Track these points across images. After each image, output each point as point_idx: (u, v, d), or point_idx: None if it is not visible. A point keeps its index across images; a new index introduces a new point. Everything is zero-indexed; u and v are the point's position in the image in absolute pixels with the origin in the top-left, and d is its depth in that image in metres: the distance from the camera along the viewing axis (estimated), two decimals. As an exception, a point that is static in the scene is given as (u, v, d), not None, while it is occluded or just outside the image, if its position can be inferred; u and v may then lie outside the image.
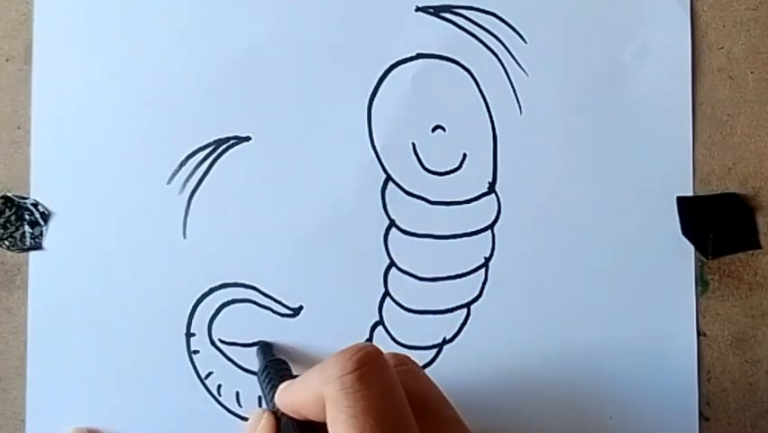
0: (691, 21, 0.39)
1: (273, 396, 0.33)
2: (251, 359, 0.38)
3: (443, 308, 0.39)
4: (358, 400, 0.28)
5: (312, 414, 0.30)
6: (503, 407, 0.38)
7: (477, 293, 0.39)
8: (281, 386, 0.33)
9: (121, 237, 0.38)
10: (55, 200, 0.38)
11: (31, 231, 0.38)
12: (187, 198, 0.38)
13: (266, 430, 0.33)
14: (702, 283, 0.39)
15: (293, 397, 0.31)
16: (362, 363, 0.28)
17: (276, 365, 0.36)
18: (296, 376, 0.33)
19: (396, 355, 0.32)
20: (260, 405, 0.38)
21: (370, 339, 0.38)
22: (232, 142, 0.39)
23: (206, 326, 0.38)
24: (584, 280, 0.39)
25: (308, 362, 0.38)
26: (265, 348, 0.38)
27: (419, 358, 0.38)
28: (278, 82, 0.39)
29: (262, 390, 0.36)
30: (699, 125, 0.39)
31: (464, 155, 0.39)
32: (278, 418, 0.33)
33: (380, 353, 0.29)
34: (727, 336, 0.39)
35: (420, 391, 0.31)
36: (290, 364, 0.36)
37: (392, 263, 0.38)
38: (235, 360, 0.38)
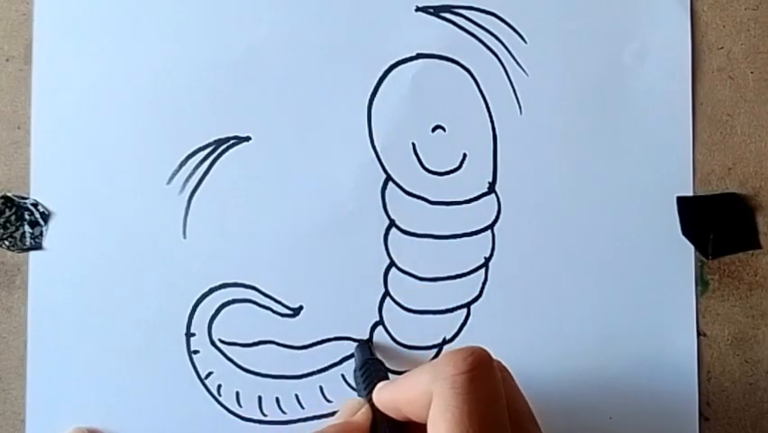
0: (691, 21, 0.39)
1: (369, 393, 0.33)
2: (252, 359, 0.38)
3: (443, 308, 0.39)
4: (466, 402, 0.27)
5: (412, 411, 0.30)
6: (503, 407, 0.38)
7: (477, 293, 0.39)
8: (381, 384, 0.33)
9: (121, 237, 0.38)
10: (55, 200, 0.38)
11: (31, 231, 0.38)
12: (187, 198, 0.38)
13: (364, 418, 0.33)
14: (702, 283, 0.39)
15: (396, 392, 0.31)
16: (475, 365, 0.28)
17: (374, 365, 0.36)
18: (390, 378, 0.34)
19: (496, 362, 0.32)
20: (260, 406, 0.38)
21: (370, 339, 0.38)
22: (232, 142, 0.39)
23: (206, 326, 0.38)
24: (584, 280, 0.39)
25: (309, 362, 0.38)
26: (363, 347, 0.38)
27: (419, 358, 0.38)
28: (278, 82, 0.39)
29: (358, 385, 0.36)
30: (699, 125, 0.39)
31: (464, 155, 0.39)
32: (373, 413, 0.33)
33: (491, 358, 0.29)
34: (727, 336, 0.39)
35: (514, 406, 0.31)
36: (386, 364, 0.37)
37: (392, 263, 0.38)
38: (235, 360, 0.38)
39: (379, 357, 0.37)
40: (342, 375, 0.38)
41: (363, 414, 0.33)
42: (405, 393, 0.30)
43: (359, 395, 0.36)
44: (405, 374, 0.31)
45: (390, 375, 0.37)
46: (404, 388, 0.31)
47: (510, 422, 0.29)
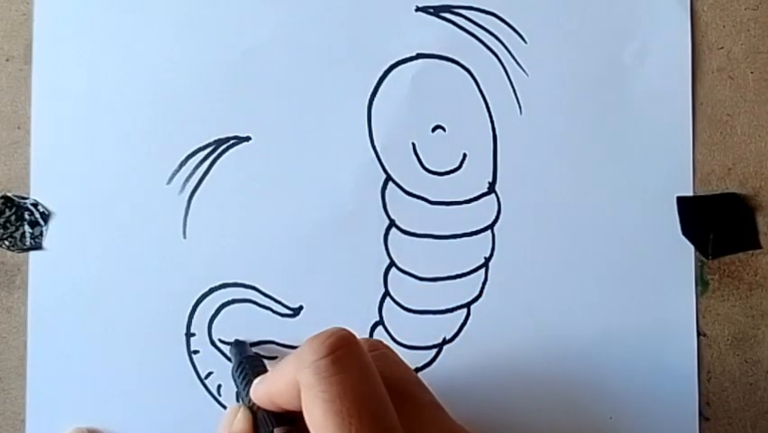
0: (691, 21, 0.39)
1: (248, 392, 0.33)
2: (251, 359, 0.38)
3: (443, 308, 0.39)
4: (333, 384, 0.27)
5: (288, 403, 0.30)
6: (503, 407, 0.38)
7: (477, 293, 0.39)
8: (256, 380, 0.32)
9: (121, 237, 0.38)
10: (55, 200, 0.38)
11: (31, 231, 0.38)
12: (187, 198, 0.38)
13: (242, 424, 0.32)
14: (702, 283, 0.39)
15: (268, 387, 0.31)
16: (336, 347, 0.28)
17: (251, 362, 0.36)
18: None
19: (368, 340, 0.32)
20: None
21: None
22: (232, 142, 0.39)
23: (206, 326, 0.38)
24: (584, 280, 0.39)
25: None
26: (239, 346, 0.37)
27: (419, 358, 0.38)
28: (278, 82, 0.39)
29: (237, 386, 0.35)
30: (699, 125, 0.39)
31: (464, 155, 0.39)
32: (254, 412, 0.32)
33: (354, 337, 0.29)
34: (727, 336, 0.39)
35: (395, 376, 0.31)
36: (265, 362, 0.36)
37: (392, 263, 0.38)
38: (235, 360, 0.38)
39: (258, 353, 0.37)
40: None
41: (240, 420, 0.33)
42: (275, 386, 0.30)
43: (240, 396, 0.35)
44: (274, 367, 0.31)
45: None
46: (274, 381, 0.30)
47: (394, 391, 0.29)
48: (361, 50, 0.39)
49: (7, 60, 0.39)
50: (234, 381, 0.36)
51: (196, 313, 0.38)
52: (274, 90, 0.39)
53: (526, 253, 0.39)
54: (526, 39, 0.39)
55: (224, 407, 0.38)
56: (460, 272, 0.39)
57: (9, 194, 0.38)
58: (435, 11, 0.39)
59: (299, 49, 0.39)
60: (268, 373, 0.32)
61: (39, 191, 0.38)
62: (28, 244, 0.38)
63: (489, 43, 0.39)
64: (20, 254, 0.38)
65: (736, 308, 0.39)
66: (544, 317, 0.39)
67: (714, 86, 0.39)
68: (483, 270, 0.39)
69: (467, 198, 0.39)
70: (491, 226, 0.39)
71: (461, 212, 0.39)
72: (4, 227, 0.38)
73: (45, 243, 0.38)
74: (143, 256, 0.38)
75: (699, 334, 0.39)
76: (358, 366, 0.28)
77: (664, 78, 0.39)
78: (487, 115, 0.39)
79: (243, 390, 0.34)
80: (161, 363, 0.38)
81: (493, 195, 0.39)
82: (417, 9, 0.39)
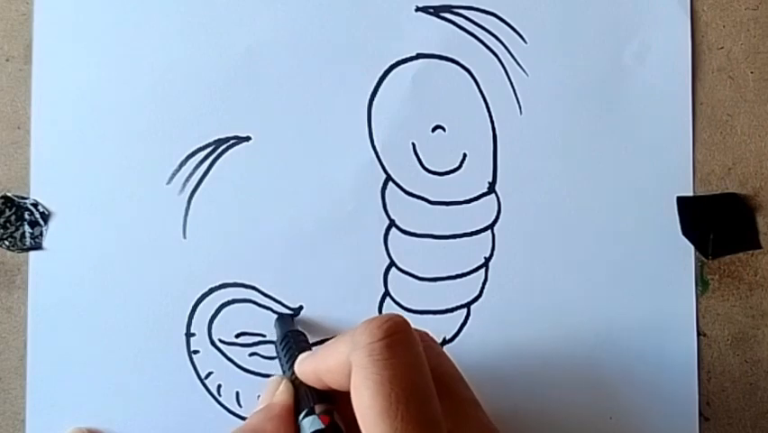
0: (691, 21, 0.39)
1: (291, 365, 0.33)
2: (251, 359, 0.38)
3: (443, 308, 0.39)
4: (386, 367, 0.28)
5: (334, 381, 0.30)
6: (503, 407, 0.38)
7: (477, 293, 0.39)
8: (302, 355, 0.33)
9: (121, 237, 0.38)
10: (55, 200, 0.38)
11: (31, 231, 0.38)
12: (187, 198, 0.38)
13: (285, 395, 0.33)
14: (702, 283, 0.39)
15: (317, 363, 0.31)
16: (391, 332, 0.28)
17: (296, 336, 0.36)
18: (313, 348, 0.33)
19: (418, 331, 0.32)
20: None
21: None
22: (232, 142, 0.39)
23: (206, 326, 0.38)
24: (584, 280, 0.39)
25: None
26: (283, 319, 0.38)
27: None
28: (278, 82, 0.39)
29: (280, 359, 0.36)
30: (699, 125, 0.39)
31: (464, 155, 0.39)
32: (296, 387, 0.33)
33: (409, 324, 0.29)
34: (727, 336, 0.39)
35: (441, 369, 0.31)
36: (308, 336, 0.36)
37: (392, 263, 0.38)
38: (235, 360, 0.38)
39: (301, 330, 0.37)
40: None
41: (283, 392, 0.33)
42: (325, 364, 0.30)
43: (282, 369, 0.35)
44: (325, 344, 0.31)
45: (314, 347, 0.37)
46: (324, 358, 0.31)
47: (438, 384, 0.29)
48: (361, 50, 0.39)
49: (7, 60, 0.39)
50: (278, 354, 0.36)
51: (196, 313, 0.38)
52: (274, 90, 0.39)
53: (526, 253, 0.39)
54: (526, 39, 0.39)
55: (225, 407, 0.38)
56: (460, 272, 0.39)
57: (9, 194, 0.38)
58: (435, 11, 0.39)
59: (299, 49, 0.39)
60: (317, 349, 0.32)
61: (39, 191, 0.38)
62: (28, 244, 0.38)
63: (489, 43, 0.39)
64: (20, 254, 0.38)
65: (736, 308, 0.39)
66: (544, 317, 0.39)
67: (714, 86, 0.39)
68: (483, 270, 0.39)
69: (467, 198, 0.39)
70: (491, 226, 0.39)
71: (461, 212, 0.39)
72: (4, 227, 0.38)
73: (45, 243, 0.38)
74: (143, 256, 0.38)
75: (699, 334, 0.39)
76: (411, 354, 0.28)
77: (664, 78, 0.39)
78: (487, 115, 0.39)
79: (287, 363, 0.34)
80: (161, 363, 0.38)
81: (493, 195, 0.39)
82: (417, 9, 0.39)
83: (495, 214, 0.39)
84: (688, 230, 0.39)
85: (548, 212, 0.39)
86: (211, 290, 0.38)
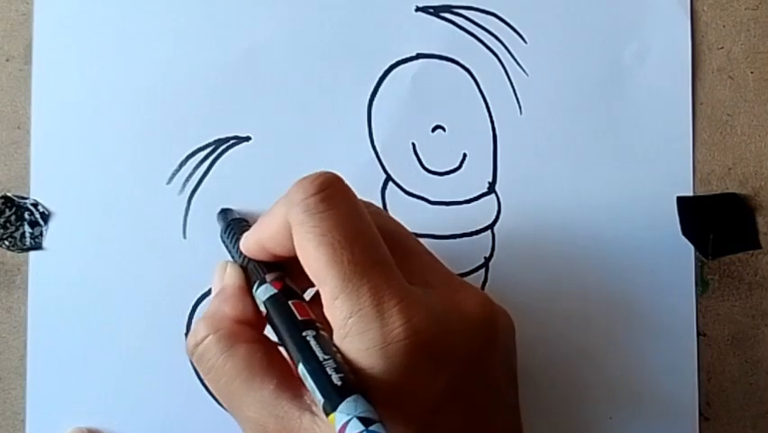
0: (691, 21, 0.39)
1: (238, 248, 0.33)
2: (251, 359, 0.38)
3: (443, 308, 0.39)
4: (324, 219, 0.28)
5: (279, 245, 0.30)
6: (503, 407, 0.38)
7: (477, 293, 0.39)
8: (246, 233, 0.32)
9: (121, 237, 0.38)
10: (55, 200, 0.38)
11: (31, 231, 0.38)
12: (187, 198, 0.38)
13: (233, 277, 0.32)
14: (702, 283, 0.39)
15: (258, 234, 0.31)
16: (325, 186, 0.28)
17: (238, 223, 0.36)
18: None
19: (362, 199, 0.32)
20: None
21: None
22: (232, 142, 0.39)
23: (206, 326, 0.38)
24: (584, 280, 0.39)
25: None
26: (225, 211, 0.38)
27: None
28: (278, 82, 0.39)
29: (227, 247, 0.35)
30: (699, 125, 0.39)
31: (464, 155, 0.39)
32: (244, 268, 0.33)
33: (341, 178, 0.29)
34: (727, 336, 0.39)
35: (389, 227, 0.31)
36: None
37: (392, 263, 0.38)
38: (235, 360, 0.38)
39: (243, 217, 0.37)
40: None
41: (230, 274, 0.33)
42: (266, 231, 0.30)
43: (232, 258, 0.35)
44: (262, 215, 0.31)
45: None
46: (264, 227, 0.31)
47: (387, 240, 0.29)
48: (361, 50, 0.39)
49: (7, 60, 0.39)
50: (224, 242, 0.36)
51: (196, 313, 0.38)
52: (274, 90, 0.39)
53: (526, 253, 0.39)
54: (526, 39, 0.39)
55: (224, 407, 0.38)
56: (460, 272, 0.39)
57: (9, 194, 0.38)
58: (435, 11, 0.39)
59: (299, 49, 0.39)
60: (257, 222, 0.32)
61: (39, 191, 0.38)
62: (28, 244, 0.38)
63: (489, 43, 0.39)
64: (20, 254, 0.38)
65: (736, 308, 0.39)
66: (544, 317, 0.39)
67: (714, 86, 0.39)
68: (483, 270, 0.39)
69: (467, 198, 0.39)
70: (491, 226, 0.39)
71: (461, 212, 0.39)
72: (4, 227, 0.38)
73: (45, 243, 0.38)
74: (143, 256, 0.38)
75: (699, 334, 0.39)
76: (347, 203, 0.29)
77: (664, 79, 0.39)
78: (487, 115, 0.39)
79: (233, 246, 0.34)
80: (161, 363, 0.38)
81: (493, 195, 0.39)
82: (417, 9, 0.39)
83: (495, 214, 0.39)
84: (688, 230, 0.39)
85: (548, 212, 0.39)
86: (211, 290, 0.38)
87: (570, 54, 0.39)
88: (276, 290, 0.30)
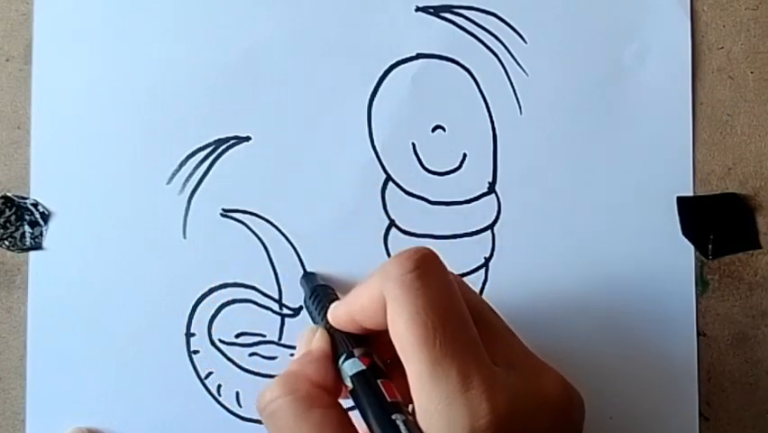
0: (691, 21, 0.39)
1: (324, 317, 0.33)
2: (251, 359, 0.38)
3: (443, 308, 0.39)
4: (419, 297, 0.28)
5: (369, 320, 0.30)
6: (503, 407, 0.38)
7: (477, 293, 0.39)
8: (335, 303, 0.33)
9: (121, 237, 0.38)
10: (55, 200, 0.38)
11: (31, 231, 0.38)
12: (187, 198, 0.38)
13: (322, 342, 0.32)
14: (702, 283, 0.39)
15: (350, 305, 0.31)
16: (421, 263, 0.29)
17: (323, 289, 0.36)
18: None
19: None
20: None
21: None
22: (232, 142, 0.39)
23: (206, 326, 0.38)
24: (584, 280, 0.39)
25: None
26: (309, 276, 0.38)
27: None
28: (278, 82, 0.39)
29: (311, 313, 0.36)
30: (699, 125, 0.39)
31: (464, 155, 0.39)
32: (331, 335, 0.33)
33: (437, 255, 0.30)
34: (727, 336, 0.39)
35: (474, 300, 0.31)
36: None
37: (392, 263, 0.38)
38: (235, 360, 0.38)
39: (328, 284, 0.37)
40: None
41: (319, 339, 0.33)
42: (358, 303, 0.31)
43: (315, 323, 0.35)
44: (355, 287, 0.31)
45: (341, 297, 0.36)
46: (356, 298, 0.31)
47: (477, 316, 0.29)
48: (361, 50, 0.39)
49: (7, 60, 0.39)
50: (308, 309, 0.36)
51: (196, 313, 0.38)
52: (274, 90, 0.39)
53: (526, 253, 0.39)
54: (526, 39, 0.39)
55: (224, 407, 0.38)
56: (460, 272, 0.39)
57: (9, 194, 0.38)
58: (435, 11, 0.39)
59: (299, 49, 0.39)
60: (349, 294, 0.32)
61: (39, 191, 0.38)
62: (28, 244, 0.38)
63: (489, 43, 0.39)
64: (20, 254, 0.38)
65: (736, 308, 0.39)
66: (544, 318, 0.39)
67: (714, 86, 0.39)
68: (483, 270, 0.39)
69: (467, 198, 0.39)
70: (491, 226, 0.39)
71: (461, 212, 0.39)
72: (4, 227, 0.38)
73: (45, 243, 0.38)
74: (143, 256, 0.38)
75: (699, 334, 0.39)
76: (442, 282, 0.29)
77: (664, 79, 0.39)
78: (487, 115, 0.39)
79: (319, 314, 0.34)
80: (161, 363, 0.38)
81: (493, 195, 0.39)
82: (417, 9, 0.39)
83: (495, 214, 0.39)
84: (688, 230, 0.39)
85: (548, 212, 0.39)
86: (211, 290, 0.38)
87: (570, 54, 0.39)
88: (364, 367, 0.30)
